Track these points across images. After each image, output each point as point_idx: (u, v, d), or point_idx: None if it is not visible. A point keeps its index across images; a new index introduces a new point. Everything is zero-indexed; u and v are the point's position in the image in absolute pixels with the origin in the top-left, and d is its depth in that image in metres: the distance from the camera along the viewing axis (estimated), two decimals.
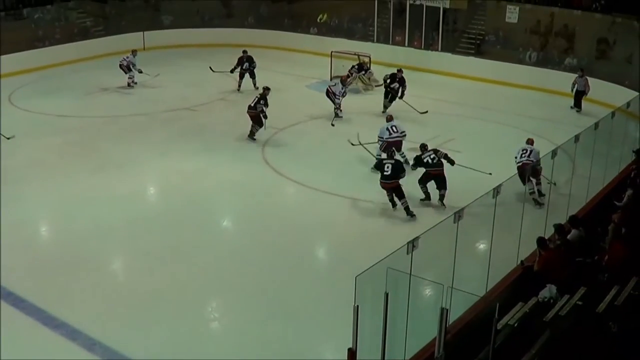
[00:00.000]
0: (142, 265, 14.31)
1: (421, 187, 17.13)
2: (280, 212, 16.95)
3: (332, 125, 22.67)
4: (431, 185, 17.00)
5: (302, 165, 19.57)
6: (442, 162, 17.11)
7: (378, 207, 16.83)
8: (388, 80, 24.14)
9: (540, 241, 12.14)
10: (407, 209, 16.30)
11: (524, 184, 16.51)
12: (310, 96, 26.45)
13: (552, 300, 10.64)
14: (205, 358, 11.35)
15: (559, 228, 12.66)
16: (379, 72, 27.96)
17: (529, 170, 16.47)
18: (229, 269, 14.05)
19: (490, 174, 16.75)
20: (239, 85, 27.05)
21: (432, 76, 28.49)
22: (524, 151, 17.34)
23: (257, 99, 21.41)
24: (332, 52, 28.56)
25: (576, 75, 25.08)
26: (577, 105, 25.08)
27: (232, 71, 27.14)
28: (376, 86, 27.03)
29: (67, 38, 32.79)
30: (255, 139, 21.26)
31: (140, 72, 26.78)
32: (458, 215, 10.39)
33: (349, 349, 9.25)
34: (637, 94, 21.28)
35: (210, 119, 23.75)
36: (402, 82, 23.99)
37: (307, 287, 13.37)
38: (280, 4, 37.58)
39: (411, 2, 31.41)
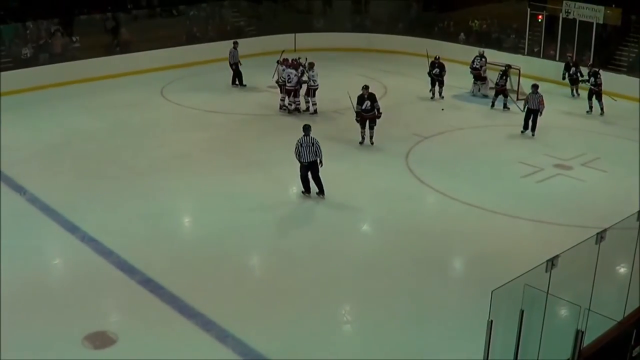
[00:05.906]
0: (280, 263, 14.58)
1: None
2: (419, 220, 16.92)
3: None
4: None
5: (446, 174, 19.50)
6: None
7: (518, 222, 16.63)
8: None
9: None
10: None
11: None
12: (456, 106, 26.34)
13: None
14: (335, 359, 11.46)
15: None
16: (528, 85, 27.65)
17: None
18: (365, 273, 14.13)
19: None
20: (432, 93, 27.48)
21: (582, 92, 27.85)
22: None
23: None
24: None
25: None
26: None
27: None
28: (520, 99, 26.79)
29: (220, 36, 33.78)
30: None
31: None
32: (600, 236, 10.18)
33: None
34: None
35: (356, 123, 23.75)
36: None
37: (441, 297, 13.33)
38: (432, 12, 37.55)
39: (564, 15, 30.83)
